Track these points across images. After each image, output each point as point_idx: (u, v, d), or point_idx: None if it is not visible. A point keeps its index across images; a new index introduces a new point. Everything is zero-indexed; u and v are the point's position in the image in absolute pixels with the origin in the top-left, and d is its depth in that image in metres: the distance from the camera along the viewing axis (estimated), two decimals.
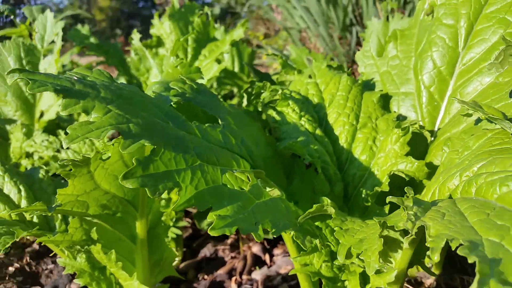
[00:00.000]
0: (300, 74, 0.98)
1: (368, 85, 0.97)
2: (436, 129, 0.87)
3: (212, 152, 0.59)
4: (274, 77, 1.26)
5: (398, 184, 0.85)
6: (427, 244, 0.42)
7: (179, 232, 1.31)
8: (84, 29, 2.85)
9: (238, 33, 1.35)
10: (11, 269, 1.39)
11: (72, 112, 0.48)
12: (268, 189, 0.71)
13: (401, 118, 0.90)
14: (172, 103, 0.64)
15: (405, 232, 0.60)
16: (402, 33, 0.97)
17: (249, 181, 0.61)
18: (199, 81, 1.29)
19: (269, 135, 0.85)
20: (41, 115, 1.56)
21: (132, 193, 0.76)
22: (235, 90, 2.12)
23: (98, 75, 0.58)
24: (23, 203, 0.86)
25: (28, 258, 1.44)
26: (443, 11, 0.88)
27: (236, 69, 2.18)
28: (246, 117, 0.82)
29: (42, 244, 1.15)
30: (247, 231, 0.53)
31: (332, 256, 0.74)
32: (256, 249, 1.43)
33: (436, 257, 0.40)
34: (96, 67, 3.03)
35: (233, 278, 1.26)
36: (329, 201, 0.64)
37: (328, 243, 0.64)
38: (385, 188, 0.75)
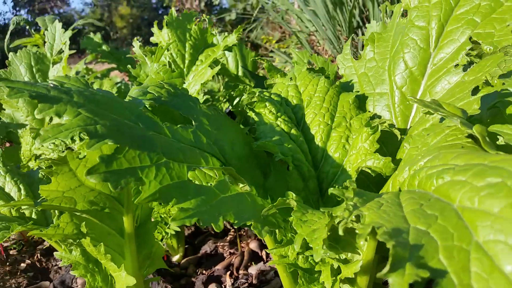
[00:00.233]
0: (283, 77, 1.03)
1: (347, 87, 1.01)
2: (408, 127, 0.90)
3: (180, 150, 0.64)
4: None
5: (373, 180, 0.89)
6: (356, 231, 0.46)
7: (178, 229, 1.37)
8: (97, 37, 2.96)
9: (231, 39, 1.40)
10: (23, 265, 1.48)
11: (45, 115, 0.54)
12: (241, 185, 0.77)
13: (376, 117, 0.93)
14: (147, 106, 0.70)
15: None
16: (379, 36, 1.01)
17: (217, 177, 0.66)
18: (195, 85, 1.35)
19: (248, 136, 0.90)
20: (50, 119, 1.65)
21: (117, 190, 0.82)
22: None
23: (75, 82, 0.64)
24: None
25: (39, 255, 1.53)
26: (415, 13, 0.92)
27: (240, 73, 2.23)
28: (224, 119, 0.87)
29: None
30: (207, 222, 0.58)
31: (307, 248, 0.79)
32: (253, 245, 1.49)
33: (362, 242, 0.44)
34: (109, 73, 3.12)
35: (228, 272, 1.31)
36: (294, 195, 0.69)
37: (292, 234, 0.68)
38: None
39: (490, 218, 0.43)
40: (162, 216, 1.39)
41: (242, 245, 1.50)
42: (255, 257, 1.44)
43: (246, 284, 1.27)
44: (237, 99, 1.47)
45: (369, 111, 0.94)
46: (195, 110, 0.78)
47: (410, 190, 0.56)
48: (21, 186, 0.94)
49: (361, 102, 0.97)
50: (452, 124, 0.71)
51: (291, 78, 1.00)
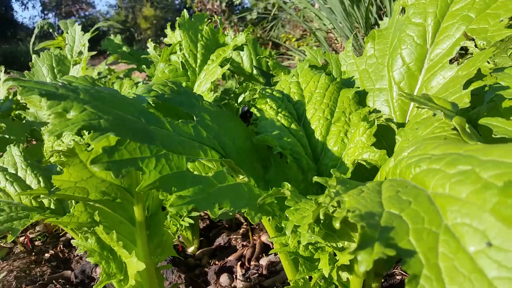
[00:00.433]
0: (286, 75, 1.07)
1: (348, 83, 1.03)
2: (406, 121, 0.92)
3: (179, 143, 0.69)
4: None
5: (372, 172, 0.92)
6: (334, 214, 0.50)
7: (191, 221, 1.42)
8: (117, 39, 3.05)
9: (240, 38, 1.44)
10: (47, 255, 1.56)
11: (54, 111, 0.59)
12: (241, 176, 0.81)
13: (375, 112, 0.96)
14: (151, 103, 0.75)
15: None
16: (380, 33, 1.03)
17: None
18: (205, 84, 1.40)
19: (250, 131, 0.94)
20: None
21: (128, 181, 0.88)
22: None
23: (82, 81, 0.69)
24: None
25: (61, 246, 1.61)
26: (412, 10, 0.94)
27: (255, 72, 2.28)
28: (227, 115, 0.91)
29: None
30: (204, 208, 0.63)
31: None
32: (265, 238, 1.53)
33: (338, 224, 0.48)
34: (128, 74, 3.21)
35: (239, 263, 1.36)
36: (289, 185, 0.72)
37: (285, 221, 0.72)
38: (348, 175, 0.82)
39: (458, 203, 0.46)
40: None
41: (254, 237, 1.55)
42: (266, 249, 1.48)
43: (257, 274, 1.31)
44: (242, 96, 1.51)
45: (369, 106, 0.97)
46: (197, 106, 0.83)
47: (392, 179, 0.59)
48: (40, 178, 1.01)
49: (361, 97, 0.99)
50: (440, 117, 0.74)
51: (293, 76, 1.04)
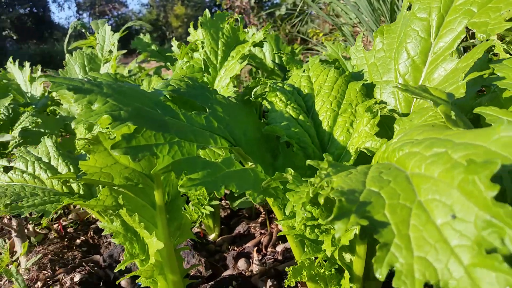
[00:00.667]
0: (298, 69, 1.12)
1: (357, 76, 1.08)
2: (411, 112, 0.96)
3: (192, 132, 0.76)
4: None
5: None
6: (320, 192, 0.56)
7: (211, 209, 1.50)
8: (146, 38, 3.17)
9: (258, 36, 1.51)
10: (78, 241, 1.68)
11: (80, 104, 0.68)
12: (250, 163, 0.88)
13: (382, 104, 1.00)
14: (167, 96, 0.83)
15: None
16: (389, 27, 1.07)
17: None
18: (225, 79, 1.47)
19: (262, 122, 1.00)
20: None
21: (149, 168, 0.96)
22: None
23: (106, 77, 0.78)
24: (73, 183, 1.10)
25: (92, 233, 1.73)
26: (417, 6, 0.98)
27: (277, 67, 2.33)
28: (240, 107, 0.98)
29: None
30: (211, 190, 0.70)
31: (311, 219, 0.88)
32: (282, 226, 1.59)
33: (322, 200, 0.53)
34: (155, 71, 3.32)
35: (255, 249, 1.43)
36: (292, 171, 0.79)
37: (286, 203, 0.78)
38: (351, 163, 0.87)
39: (430, 181, 0.51)
40: (198, 198, 1.54)
41: (272, 226, 1.61)
42: (283, 237, 1.54)
43: (272, 260, 1.38)
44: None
45: (375, 98, 1.02)
46: (211, 99, 0.90)
47: (381, 163, 0.64)
48: (70, 166, 1.11)
49: (369, 90, 1.04)
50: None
51: (304, 70, 1.09)
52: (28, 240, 1.62)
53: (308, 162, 0.65)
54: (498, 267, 0.41)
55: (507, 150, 0.45)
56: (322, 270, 0.89)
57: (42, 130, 1.75)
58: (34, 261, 1.43)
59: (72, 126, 0.62)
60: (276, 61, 2.29)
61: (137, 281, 1.07)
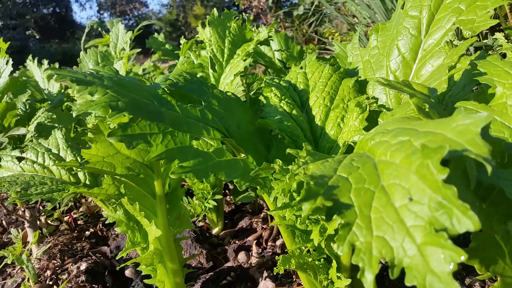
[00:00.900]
0: (295, 66, 1.16)
1: (352, 73, 1.11)
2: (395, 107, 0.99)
3: (185, 123, 0.81)
4: None
5: None
6: (295, 177, 0.60)
7: (215, 203, 1.55)
8: (160, 37, 3.25)
9: (263, 34, 1.55)
10: (87, 233, 1.75)
11: (82, 94, 0.73)
12: (242, 155, 0.92)
13: (374, 99, 1.04)
14: (166, 90, 0.88)
15: None
16: (383, 26, 1.10)
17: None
18: (229, 76, 1.52)
19: (258, 116, 1.04)
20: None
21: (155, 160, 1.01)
22: None
23: (108, 71, 0.83)
24: (80, 172, 1.16)
25: (100, 225, 1.79)
26: (410, 4, 1.01)
27: (283, 66, 2.37)
28: (236, 102, 1.02)
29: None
30: (201, 177, 0.75)
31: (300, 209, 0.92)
32: None
33: (294, 185, 0.57)
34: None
35: (255, 242, 1.47)
36: (280, 162, 0.83)
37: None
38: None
39: (393, 167, 0.54)
40: (202, 192, 1.59)
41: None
42: None
43: (271, 253, 1.42)
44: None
45: (368, 94, 1.05)
46: (207, 93, 0.94)
47: (356, 152, 0.68)
48: (78, 158, 1.17)
49: (362, 86, 1.07)
50: None
51: (301, 67, 1.13)
52: (40, 231, 1.69)
53: (288, 150, 0.69)
54: (444, 245, 0.44)
55: (462, 137, 0.49)
56: (310, 259, 0.93)
57: (56, 125, 1.82)
58: (44, 250, 1.50)
59: (73, 115, 0.68)
60: (279, 58, 2.33)
61: (138, 268, 1.12)
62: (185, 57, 1.31)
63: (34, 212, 1.71)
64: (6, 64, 2.16)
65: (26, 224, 1.64)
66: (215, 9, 1.72)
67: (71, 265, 1.45)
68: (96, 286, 1.30)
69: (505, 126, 0.74)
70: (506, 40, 1.95)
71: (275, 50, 1.81)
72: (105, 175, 1.08)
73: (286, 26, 7.74)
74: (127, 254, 1.56)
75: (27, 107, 2.10)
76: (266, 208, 1.75)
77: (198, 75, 1.01)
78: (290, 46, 2.48)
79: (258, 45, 2.46)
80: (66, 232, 1.74)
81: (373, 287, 0.47)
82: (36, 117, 2.02)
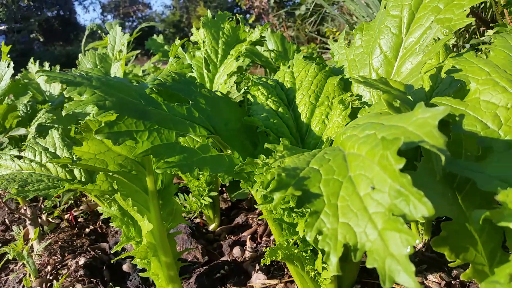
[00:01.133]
0: (284, 65, 1.19)
1: (338, 71, 1.15)
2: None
3: (172, 121, 0.84)
4: None
5: None
6: (270, 170, 0.63)
7: (210, 200, 1.59)
8: (159, 39, 3.29)
9: (255, 34, 1.59)
10: (87, 230, 1.79)
11: (71, 95, 0.77)
12: (228, 151, 0.95)
13: (358, 97, 1.07)
14: (153, 89, 0.91)
15: None
16: (368, 25, 1.13)
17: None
18: (223, 76, 1.55)
19: (245, 113, 1.08)
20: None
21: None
22: None
23: (97, 72, 0.87)
24: (76, 170, 1.20)
25: (100, 223, 1.84)
26: (391, 4, 1.04)
27: None
28: (225, 101, 1.06)
29: None
30: (185, 172, 0.78)
31: (286, 202, 0.96)
32: None
33: (269, 177, 0.61)
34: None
35: (249, 237, 1.51)
36: (263, 157, 0.86)
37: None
38: None
39: (359, 159, 0.58)
40: (198, 189, 1.62)
41: None
42: None
43: (265, 247, 1.45)
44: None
45: (353, 92, 1.08)
46: (195, 92, 0.98)
47: (331, 146, 0.71)
48: (74, 157, 1.21)
49: (347, 84, 1.10)
50: None
51: (289, 66, 1.16)
52: (41, 228, 1.74)
53: (266, 145, 0.72)
54: (401, 229, 0.47)
55: (420, 129, 0.52)
56: (296, 251, 0.96)
57: (56, 125, 1.87)
58: (44, 246, 1.54)
59: (63, 114, 0.71)
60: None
61: (132, 261, 1.16)
62: (174, 57, 1.34)
63: (35, 210, 1.75)
64: (8, 67, 2.20)
65: (28, 222, 1.69)
66: (208, 10, 1.76)
67: (71, 260, 1.49)
68: (94, 280, 1.34)
69: (478, 120, 0.77)
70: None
71: (265, 50, 1.84)
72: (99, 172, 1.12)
73: (288, 26, 7.76)
74: (125, 249, 1.60)
75: (28, 109, 2.15)
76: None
77: (187, 75, 1.04)
78: (286, 46, 2.51)
79: (255, 46, 2.50)
80: (67, 229, 1.78)
81: (337, 268, 0.50)
82: (37, 118, 2.06)
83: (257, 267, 1.28)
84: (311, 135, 1.03)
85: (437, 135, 0.50)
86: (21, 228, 1.55)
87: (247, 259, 1.40)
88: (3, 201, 1.68)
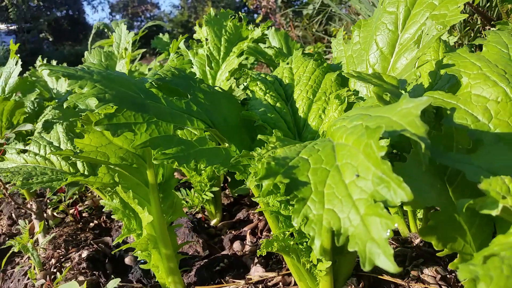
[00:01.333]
0: (283, 62, 1.21)
1: (336, 67, 1.16)
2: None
3: (170, 114, 0.87)
4: None
5: None
6: (262, 160, 0.65)
7: (211, 195, 1.61)
8: (165, 37, 3.32)
9: (257, 32, 1.61)
10: (91, 224, 1.82)
11: (73, 88, 0.79)
12: (226, 144, 0.98)
13: (355, 92, 1.08)
14: (153, 83, 0.94)
15: None
16: (365, 22, 1.15)
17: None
18: (225, 73, 1.57)
19: (244, 108, 1.10)
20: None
21: (141, 149, 1.08)
22: None
23: (98, 66, 0.90)
24: (79, 163, 1.23)
25: (104, 218, 1.87)
26: (388, 1, 1.05)
27: None
28: (224, 95, 1.08)
29: None
30: (181, 163, 0.80)
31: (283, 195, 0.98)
32: None
33: (260, 166, 0.63)
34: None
35: (249, 231, 1.53)
36: (259, 149, 0.88)
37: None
38: None
39: (347, 148, 0.59)
40: (200, 184, 1.65)
41: None
42: None
43: None
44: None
45: (350, 87, 1.10)
46: (194, 87, 1.00)
47: (322, 138, 0.73)
48: (77, 150, 1.24)
49: (345, 80, 1.12)
50: None
51: (288, 62, 1.18)
52: (46, 223, 1.77)
53: (259, 136, 0.74)
54: (381, 214, 0.49)
55: (404, 119, 0.54)
56: (292, 243, 0.98)
57: (61, 121, 1.90)
58: (48, 240, 1.57)
59: (64, 106, 0.74)
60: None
61: (132, 253, 1.19)
62: (175, 54, 1.37)
63: (40, 205, 1.78)
64: (16, 64, 2.25)
65: (33, 216, 1.72)
66: (211, 8, 1.78)
67: (74, 253, 1.52)
68: (97, 273, 1.37)
69: (469, 114, 0.78)
70: None
71: (265, 47, 1.86)
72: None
73: (295, 26, 7.76)
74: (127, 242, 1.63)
75: (35, 106, 2.19)
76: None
77: (188, 71, 1.07)
78: (290, 44, 2.53)
79: (259, 44, 2.52)
80: (71, 224, 1.82)
81: (320, 252, 0.52)
82: (44, 115, 2.10)
83: (256, 260, 1.30)
84: (308, 130, 1.05)
85: (418, 124, 0.51)
86: (27, 222, 1.58)
87: (246, 253, 1.42)
88: (10, 195, 1.71)
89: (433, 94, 0.83)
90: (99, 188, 1.17)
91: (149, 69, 3.54)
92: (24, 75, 2.86)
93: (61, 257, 1.55)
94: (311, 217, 0.55)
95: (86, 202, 1.99)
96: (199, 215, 1.77)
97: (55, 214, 1.89)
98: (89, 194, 2.02)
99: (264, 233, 1.56)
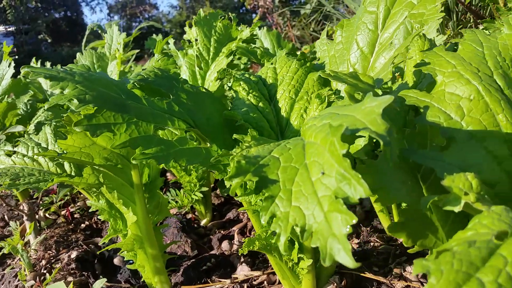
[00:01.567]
0: (268, 61, 1.23)
1: (319, 67, 1.17)
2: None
3: (151, 114, 0.88)
4: None
5: None
6: (234, 158, 0.66)
7: (201, 195, 1.63)
8: (159, 38, 3.33)
9: (245, 32, 1.62)
10: (83, 225, 1.83)
11: (54, 89, 0.80)
12: (208, 144, 0.99)
13: (336, 92, 1.10)
14: (135, 84, 0.95)
15: None
16: (348, 22, 1.16)
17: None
18: (213, 73, 1.58)
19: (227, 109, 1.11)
20: None
21: (125, 150, 1.09)
22: None
23: (81, 68, 0.91)
24: (66, 164, 1.24)
25: (96, 218, 1.88)
26: (368, 0, 1.07)
27: None
28: (207, 95, 1.09)
29: None
30: (161, 163, 0.82)
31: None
32: None
33: (232, 165, 0.64)
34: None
35: (237, 231, 1.54)
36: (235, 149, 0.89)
37: None
38: None
39: (315, 146, 0.61)
40: (189, 185, 1.66)
41: None
42: None
43: None
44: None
45: (332, 87, 1.11)
46: (177, 88, 1.01)
47: (297, 137, 0.74)
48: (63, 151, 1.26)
49: (327, 80, 1.13)
50: None
51: (272, 62, 1.19)
52: (38, 224, 1.78)
53: (234, 136, 0.75)
54: (342, 210, 0.51)
55: (366, 117, 0.55)
56: (273, 241, 0.99)
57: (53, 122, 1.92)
58: (40, 241, 1.59)
59: (45, 107, 0.75)
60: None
61: (119, 253, 1.20)
62: (160, 54, 1.38)
63: (32, 206, 1.80)
64: (9, 66, 2.26)
65: (25, 218, 1.73)
66: (201, 9, 1.79)
67: (64, 254, 1.53)
68: (86, 273, 1.38)
69: (442, 112, 0.79)
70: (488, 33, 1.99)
71: (252, 48, 1.87)
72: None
73: (293, 25, 7.77)
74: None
75: (28, 107, 2.20)
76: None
77: (172, 72, 1.08)
78: (282, 44, 2.54)
79: (251, 45, 2.53)
80: (63, 225, 1.83)
81: (285, 248, 0.54)
82: (37, 116, 2.11)
83: (242, 259, 1.32)
84: (290, 129, 1.06)
85: (379, 122, 0.53)
86: (19, 224, 1.59)
87: (234, 252, 1.44)
88: (2, 197, 1.73)
89: (408, 93, 0.84)
90: (85, 189, 1.18)
91: (143, 69, 3.55)
92: (18, 76, 2.87)
93: (52, 258, 1.56)
94: (278, 215, 0.56)
95: (78, 204, 2.00)
96: (189, 215, 1.78)
97: (47, 215, 1.90)
98: (81, 196, 2.04)
99: (253, 233, 1.58)
